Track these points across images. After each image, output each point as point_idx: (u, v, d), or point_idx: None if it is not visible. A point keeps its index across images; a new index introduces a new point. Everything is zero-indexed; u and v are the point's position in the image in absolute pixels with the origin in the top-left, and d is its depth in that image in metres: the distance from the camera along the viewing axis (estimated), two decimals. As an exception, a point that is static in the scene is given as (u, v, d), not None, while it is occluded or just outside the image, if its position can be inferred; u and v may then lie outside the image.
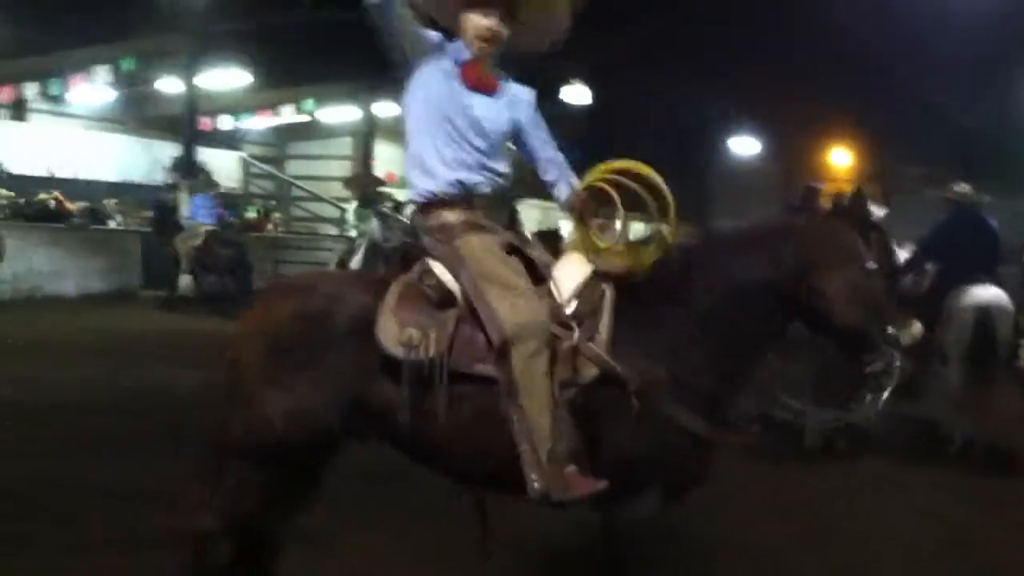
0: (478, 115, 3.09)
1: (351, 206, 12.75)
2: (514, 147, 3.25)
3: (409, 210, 3.27)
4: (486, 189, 3.10)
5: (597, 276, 3.00)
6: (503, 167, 3.17)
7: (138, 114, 18.17)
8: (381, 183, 13.95)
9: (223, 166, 19.67)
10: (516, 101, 3.19)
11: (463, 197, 3.07)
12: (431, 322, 2.89)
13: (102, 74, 15.04)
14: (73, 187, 15.81)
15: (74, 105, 17.07)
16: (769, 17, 15.11)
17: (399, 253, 9.73)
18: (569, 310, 2.93)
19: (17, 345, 9.18)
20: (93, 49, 14.74)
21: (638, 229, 3.31)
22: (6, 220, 13.87)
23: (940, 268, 7.14)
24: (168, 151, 17.23)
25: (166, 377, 7.97)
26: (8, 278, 12.91)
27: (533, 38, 3.24)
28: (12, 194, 14.54)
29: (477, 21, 3.06)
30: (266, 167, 20.80)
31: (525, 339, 2.77)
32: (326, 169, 19.42)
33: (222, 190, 17.56)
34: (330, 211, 18.56)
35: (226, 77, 16.53)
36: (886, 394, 3.25)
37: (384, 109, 18.25)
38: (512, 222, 3.19)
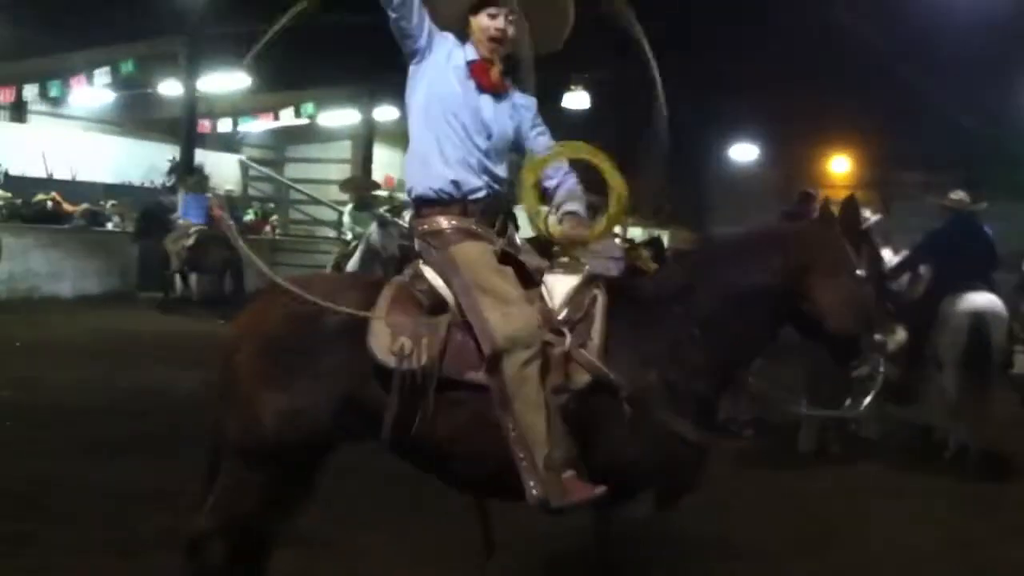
0: (485, 116, 3.09)
1: (347, 209, 12.75)
2: (517, 154, 3.24)
3: (408, 215, 3.28)
4: (483, 194, 3.09)
5: (589, 281, 2.99)
6: (503, 172, 3.17)
7: (137, 116, 18.18)
8: (377, 186, 13.96)
9: (222, 169, 19.71)
10: (519, 107, 3.20)
11: (459, 201, 3.06)
12: (423, 329, 2.89)
13: (102, 76, 15.04)
14: (71, 189, 15.84)
15: (73, 107, 17.08)
16: (769, 23, 15.11)
17: (397, 261, 9.75)
18: (561, 316, 2.92)
19: (14, 346, 9.19)
20: (93, 51, 14.74)
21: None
22: (4, 221, 13.88)
23: (935, 274, 7.18)
24: (167, 154, 17.27)
25: (164, 378, 8.00)
26: (5, 279, 12.93)
27: (538, 41, 3.25)
28: (10, 195, 14.56)
29: (487, 22, 3.07)
30: (265, 170, 20.81)
31: (517, 348, 2.77)
32: (325, 172, 19.44)
33: (221, 192, 17.61)
34: (329, 214, 18.57)
35: (225, 80, 16.54)
36: (870, 397, 3.30)
37: (384, 113, 18.28)
38: (507, 227, 3.16)
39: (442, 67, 3.07)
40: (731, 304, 2.99)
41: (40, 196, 14.81)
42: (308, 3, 3.12)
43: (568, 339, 2.85)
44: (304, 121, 18.83)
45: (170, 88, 16.42)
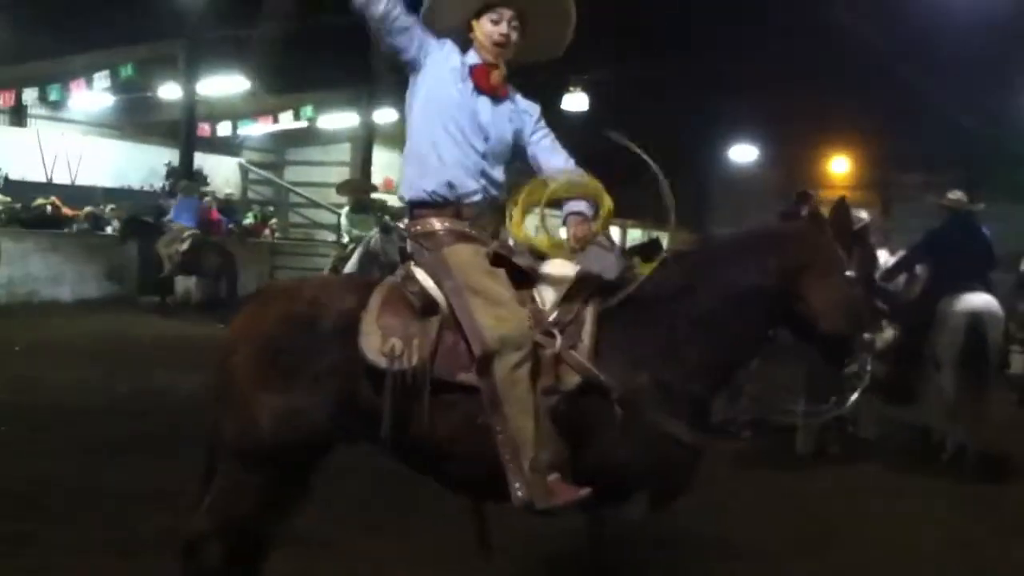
0: (483, 119, 3.11)
1: (344, 211, 12.76)
2: (519, 160, 3.25)
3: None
4: (478, 197, 3.10)
5: (581, 282, 2.99)
6: (500, 175, 3.18)
7: (137, 120, 18.19)
8: (374, 188, 13.97)
9: (222, 172, 19.73)
10: (520, 111, 3.21)
11: (453, 203, 3.08)
12: (414, 330, 2.90)
13: (101, 80, 15.05)
14: (71, 193, 15.85)
15: (73, 111, 17.10)
16: (769, 24, 15.13)
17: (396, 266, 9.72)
18: (551, 317, 2.93)
19: (14, 349, 9.20)
20: (92, 55, 14.75)
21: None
22: (3, 226, 13.90)
23: (932, 274, 7.19)
24: (167, 157, 17.29)
25: (164, 380, 8.01)
26: (4, 283, 12.96)
27: (539, 47, 3.27)
28: (9, 199, 14.57)
29: (489, 28, 3.10)
30: (264, 173, 20.83)
31: (508, 350, 2.78)
32: (324, 175, 19.43)
33: (220, 196, 17.63)
34: (328, 217, 18.57)
35: (225, 83, 16.57)
36: (856, 394, 3.33)
37: (383, 115, 18.29)
38: (500, 229, 3.17)
39: (440, 72, 3.10)
40: (726, 305, 3.00)
41: (39, 200, 14.83)
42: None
43: (558, 341, 2.86)
44: (303, 124, 18.85)
45: (169, 91, 16.44)
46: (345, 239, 12.05)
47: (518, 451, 2.77)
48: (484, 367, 2.80)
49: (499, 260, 3.03)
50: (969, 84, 15.74)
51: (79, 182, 16.73)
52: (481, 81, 3.10)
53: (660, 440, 2.87)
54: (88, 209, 15.19)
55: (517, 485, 2.78)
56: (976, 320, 6.61)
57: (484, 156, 3.12)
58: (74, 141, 17.16)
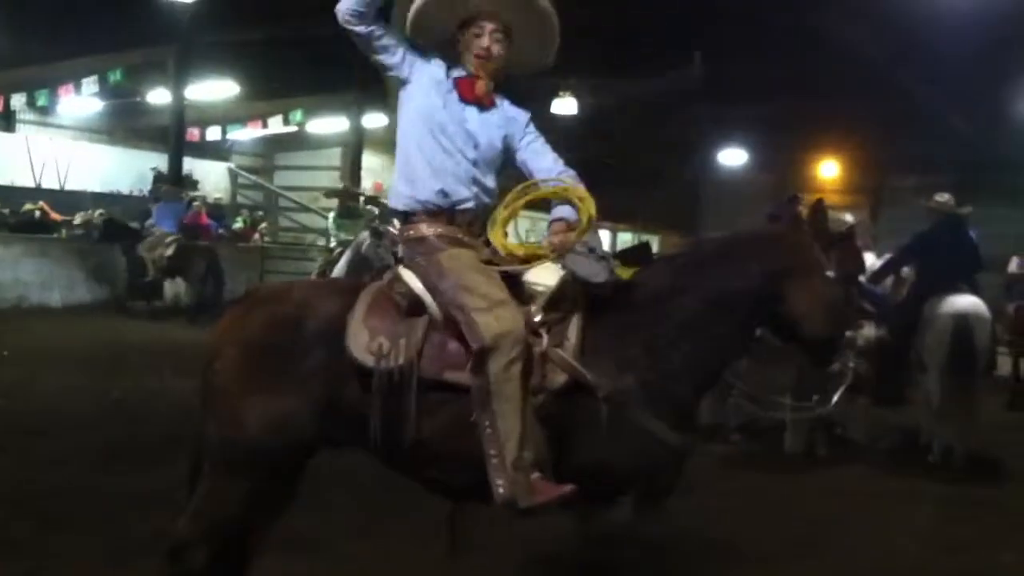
0: (472, 128, 3.15)
1: (331, 215, 12.76)
2: (511, 167, 3.28)
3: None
4: (471, 205, 3.14)
5: (568, 284, 3.02)
6: (492, 183, 3.21)
7: (126, 125, 18.17)
8: (360, 194, 13.97)
9: (211, 177, 19.71)
10: (509, 119, 3.25)
11: (446, 211, 3.12)
12: (401, 330, 2.93)
13: (90, 85, 15.03)
14: (60, 198, 15.81)
15: (62, 116, 17.07)
16: (759, 28, 15.17)
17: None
18: (538, 317, 2.96)
19: (3, 354, 9.16)
20: (81, 60, 14.73)
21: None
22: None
23: (919, 276, 7.24)
24: (156, 162, 17.25)
25: (156, 385, 7.99)
26: (-7, 287, 12.93)
27: (525, 61, 3.31)
28: (-3, 204, 14.57)
29: (473, 41, 3.16)
30: (254, 178, 20.82)
31: (505, 348, 2.81)
32: (314, 180, 19.44)
33: (209, 200, 17.59)
34: (318, 222, 18.57)
35: (214, 88, 16.56)
36: (839, 392, 3.38)
37: (373, 120, 18.31)
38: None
39: (427, 84, 3.15)
40: (710, 307, 3.04)
41: (28, 206, 14.79)
42: None
43: (545, 339, 2.89)
44: (293, 129, 18.85)
45: (158, 97, 16.43)
46: (332, 243, 12.04)
47: (503, 449, 2.79)
48: (479, 363, 2.82)
49: (490, 265, 3.06)
50: (960, 88, 15.80)
51: (68, 187, 16.70)
52: (466, 92, 3.15)
53: (645, 440, 2.89)
54: (82, 214, 15.14)
55: (500, 482, 2.79)
56: (963, 322, 6.65)
57: (475, 164, 3.16)
58: (63, 146, 17.13)
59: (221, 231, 17.43)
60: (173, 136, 15.76)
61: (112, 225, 13.88)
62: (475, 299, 2.90)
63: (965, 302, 6.73)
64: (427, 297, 3.00)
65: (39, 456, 5.59)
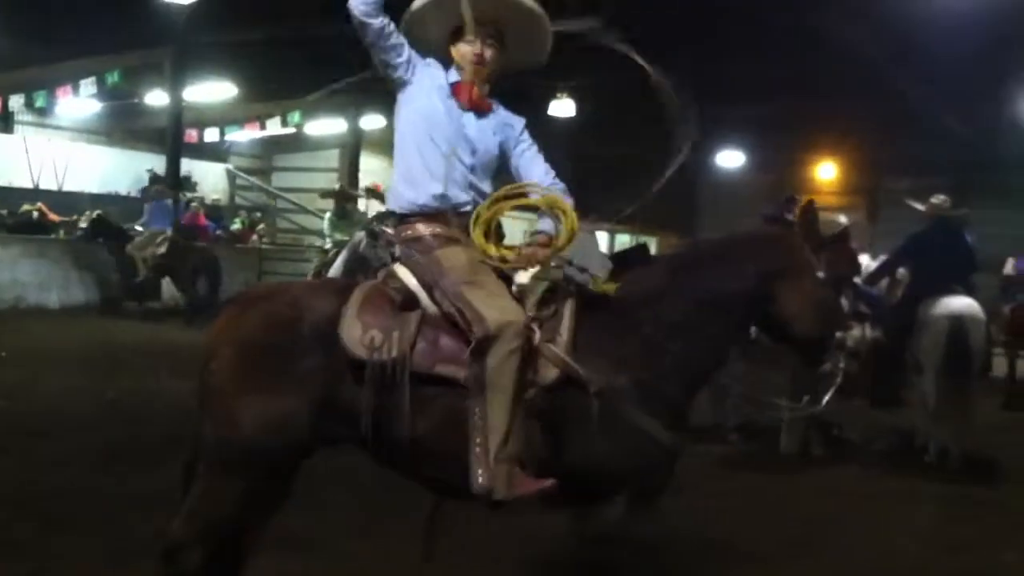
0: (469, 133, 3.20)
1: (327, 216, 12.77)
2: (504, 172, 3.32)
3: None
4: (468, 208, 3.18)
5: (561, 284, 3.06)
6: (488, 187, 3.26)
7: (124, 126, 18.16)
8: (358, 195, 13.97)
9: (209, 178, 19.71)
10: (505, 124, 3.29)
11: (444, 213, 3.16)
12: (394, 324, 2.95)
13: (87, 87, 15.01)
14: (58, 199, 15.80)
15: (60, 117, 17.06)
16: (756, 29, 15.17)
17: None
18: (531, 313, 2.99)
19: (1, 355, 9.17)
20: (79, 61, 14.71)
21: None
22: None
23: (914, 278, 7.25)
24: (153, 163, 17.25)
25: (154, 386, 8.00)
26: (-10, 288, 12.93)
27: (521, 59, 3.35)
28: (-5, 206, 14.56)
29: (465, 48, 3.21)
30: (252, 179, 20.82)
31: (507, 337, 2.83)
32: (312, 181, 19.45)
33: (207, 202, 17.59)
34: (316, 223, 18.57)
35: (212, 89, 16.55)
36: (831, 392, 3.41)
37: (370, 122, 18.32)
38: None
39: (426, 90, 3.20)
40: (704, 307, 3.07)
41: (26, 207, 14.78)
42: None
43: (537, 334, 2.92)
44: (291, 130, 18.85)
45: (156, 98, 16.41)
46: (328, 244, 12.04)
47: (487, 439, 2.81)
48: (480, 351, 2.84)
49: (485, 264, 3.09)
50: (958, 89, 15.82)
51: (66, 188, 16.69)
52: (463, 98, 3.20)
53: (638, 438, 2.91)
54: (86, 216, 15.12)
55: (479, 471, 2.81)
56: (958, 324, 6.66)
57: (472, 169, 3.21)
58: (61, 147, 17.13)
59: (219, 232, 17.44)
60: (171, 137, 15.76)
61: (99, 224, 13.81)
62: (478, 292, 2.94)
63: (960, 304, 6.75)
64: (421, 292, 3.04)
65: (41, 457, 5.60)
